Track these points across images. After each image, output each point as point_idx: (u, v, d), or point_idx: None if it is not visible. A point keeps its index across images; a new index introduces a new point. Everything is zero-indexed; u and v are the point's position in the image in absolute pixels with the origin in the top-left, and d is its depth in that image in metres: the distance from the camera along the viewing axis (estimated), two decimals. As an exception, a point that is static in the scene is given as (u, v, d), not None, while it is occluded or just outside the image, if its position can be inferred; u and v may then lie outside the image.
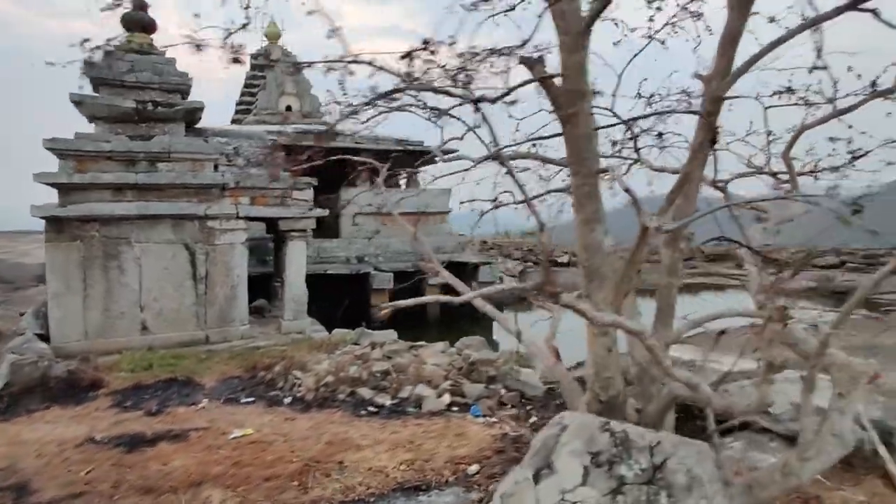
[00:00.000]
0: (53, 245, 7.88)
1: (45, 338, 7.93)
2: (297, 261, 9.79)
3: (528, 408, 5.76)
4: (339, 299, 14.25)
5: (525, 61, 1.80)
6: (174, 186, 8.56)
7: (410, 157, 18.14)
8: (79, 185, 7.96)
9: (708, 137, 2.01)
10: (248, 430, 5.25)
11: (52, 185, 7.84)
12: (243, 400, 6.21)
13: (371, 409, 5.86)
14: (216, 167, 9.14)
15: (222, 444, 4.98)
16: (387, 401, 6.05)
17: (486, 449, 4.73)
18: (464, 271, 15.84)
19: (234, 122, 22.91)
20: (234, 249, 9.00)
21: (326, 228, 15.89)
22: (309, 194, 9.91)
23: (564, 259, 28.35)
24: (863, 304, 18.04)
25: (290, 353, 7.73)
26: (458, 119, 4.02)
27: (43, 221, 7.73)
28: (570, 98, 1.85)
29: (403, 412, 5.77)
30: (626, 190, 2.06)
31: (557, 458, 1.76)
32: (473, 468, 4.32)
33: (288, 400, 6.15)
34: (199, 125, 10.40)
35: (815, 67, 2.39)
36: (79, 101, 8.26)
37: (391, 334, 8.69)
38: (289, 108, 21.63)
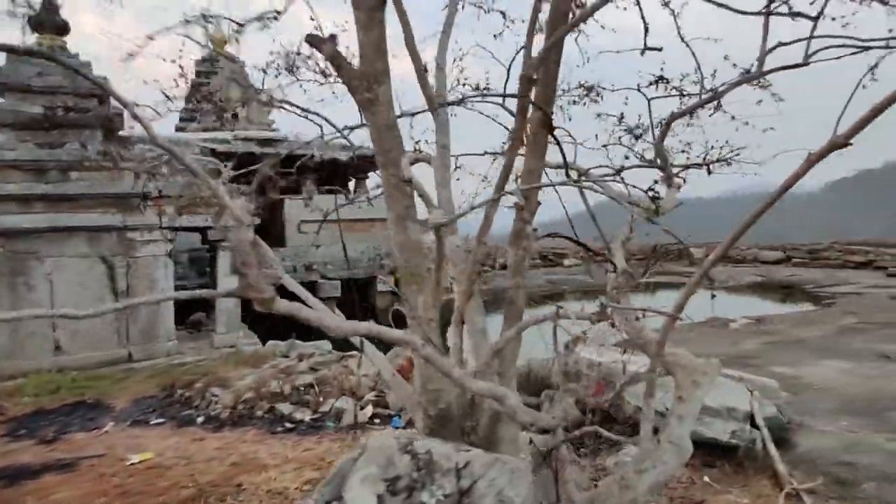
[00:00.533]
0: (-49, 262, 7.31)
1: (-57, 363, 7.33)
2: (229, 271, 9.39)
3: (452, 417, 5.58)
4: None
5: (311, 40, 1.61)
6: (89, 197, 8.08)
7: (361, 163, 17.85)
8: (-21, 197, 7.41)
9: (524, 124, 1.86)
10: (148, 454, 4.89)
11: (-52, 197, 7.28)
12: (153, 421, 5.82)
13: (289, 425, 5.57)
14: (137, 176, 8.67)
15: (116, 471, 4.61)
16: (307, 416, 5.77)
17: (397, 463, 4.52)
18: (414, 277, 15.64)
19: (178, 129, 22.14)
20: (157, 262, 8.55)
21: (273, 238, 15.43)
22: (239, 203, 9.51)
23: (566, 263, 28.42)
24: (807, 298, 18.47)
25: (214, 370, 7.36)
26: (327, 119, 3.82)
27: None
28: (367, 81, 1.67)
29: (322, 427, 5.51)
30: (408, 181, 1.90)
31: (349, 489, 1.56)
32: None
33: (201, 419, 5.79)
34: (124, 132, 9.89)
35: (649, 48, 2.29)
36: (-21, 108, 7.71)
37: (324, 345, 8.40)
38: (235, 116, 21.02)
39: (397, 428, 5.44)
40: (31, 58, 8.25)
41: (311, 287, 14.18)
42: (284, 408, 5.94)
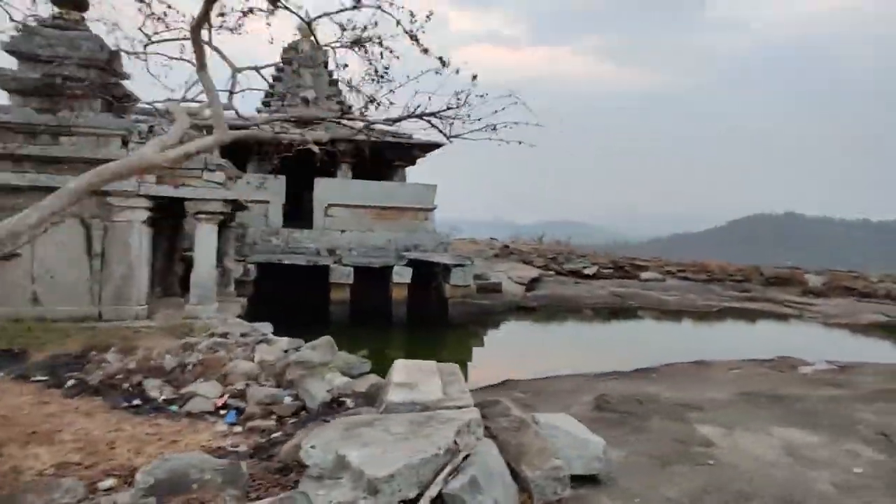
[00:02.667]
0: (-51, 210, 8.11)
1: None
2: (206, 244, 9.54)
3: (291, 421, 4.99)
4: (303, 291, 13.93)
5: None
6: (74, 160, 8.57)
7: (396, 149, 17.55)
8: (-24, 154, 8.14)
9: None
10: (-16, 409, 4.93)
11: (-51, 152, 8.08)
12: (34, 378, 5.94)
13: (137, 402, 5.36)
14: (125, 143, 9.08)
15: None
16: (163, 395, 5.52)
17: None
18: (435, 272, 15.01)
19: (258, 111, 23.54)
20: (132, 227, 8.88)
21: (301, 219, 15.69)
22: (220, 176, 9.62)
23: (591, 270, 26.47)
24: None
25: (140, 337, 7.44)
26: None
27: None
28: None
29: (163, 409, 5.22)
30: None
31: None
32: (109, 483, 3.68)
33: (71, 383, 5.79)
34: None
35: None
36: (-11, 73, 8.48)
37: (264, 327, 8.17)
38: (305, 100, 21.82)
39: (228, 423, 5.00)
40: (42, 28, 8.94)
41: (323, 272, 14.15)
42: (152, 384, 5.75)
